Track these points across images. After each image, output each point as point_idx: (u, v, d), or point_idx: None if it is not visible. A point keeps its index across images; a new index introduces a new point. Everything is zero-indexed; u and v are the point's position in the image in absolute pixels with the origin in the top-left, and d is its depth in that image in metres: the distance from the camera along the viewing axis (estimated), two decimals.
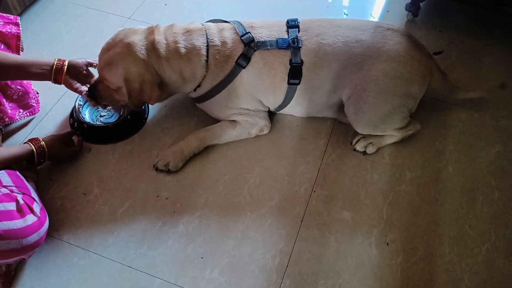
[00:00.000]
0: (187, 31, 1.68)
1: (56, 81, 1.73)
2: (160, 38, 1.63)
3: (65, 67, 1.71)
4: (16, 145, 1.61)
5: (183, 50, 1.65)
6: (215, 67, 1.69)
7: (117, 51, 1.61)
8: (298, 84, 1.72)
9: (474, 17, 2.34)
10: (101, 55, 1.67)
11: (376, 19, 2.38)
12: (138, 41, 1.61)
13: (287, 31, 1.71)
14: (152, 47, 1.62)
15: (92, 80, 1.77)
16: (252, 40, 1.68)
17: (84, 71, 1.78)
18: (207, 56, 1.67)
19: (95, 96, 1.74)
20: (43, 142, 1.64)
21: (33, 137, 1.65)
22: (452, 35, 2.26)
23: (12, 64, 1.63)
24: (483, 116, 1.95)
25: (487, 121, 1.93)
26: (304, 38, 1.69)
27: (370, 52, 1.65)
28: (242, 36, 1.69)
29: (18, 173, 1.55)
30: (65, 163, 1.78)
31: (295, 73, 1.70)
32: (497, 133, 1.89)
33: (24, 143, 1.62)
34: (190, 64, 1.67)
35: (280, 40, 1.69)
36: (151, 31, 1.65)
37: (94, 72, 1.81)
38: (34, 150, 1.60)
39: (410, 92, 1.69)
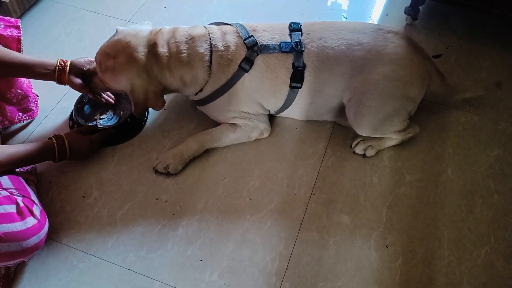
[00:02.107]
0: (190, 38, 1.67)
1: (60, 81, 1.73)
2: (162, 51, 1.62)
3: (68, 67, 1.72)
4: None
5: (185, 59, 1.65)
6: (218, 71, 1.69)
7: (120, 61, 1.60)
8: (300, 87, 1.73)
9: (473, 20, 2.35)
10: (102, 59, 1.65)
11: (375, 23, 2.38)
12: (142, 56, 1.60)
13: (290, 35, 1.72)
14: (155, 59, 1.62)
15: (89, 69, 1.75)
16: (255, 43, 1.68)
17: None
18: (210, 62, 1.67)
19: (90, 86, 1.76)
20: (63, 136, 1.66)
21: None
22: (451, 39, 2.27)
23: (17, 63, 1.64)
24: (482, 119, 1.95)
25: (486, 124, 1.93)
26: (307, 42, 1.70)
27: (371, 55, 1.66)
28: (245, 39, 1.69)
29: (18, 175, 1.56)
30: (69, 167, 1.78)
31: (297, 77, 1.70)
32: (496, 136, 1.90)
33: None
34: (192, 71, 1.67)
35: (283, 43, 1.69)
36: (154, 41, 1.63)
37: None
38: (54, 141, 1.62)
39: (409, 95, 1.69)
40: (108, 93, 1.87)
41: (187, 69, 1.66)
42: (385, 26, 1.75)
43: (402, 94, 1.68)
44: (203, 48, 1.66)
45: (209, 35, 1.69)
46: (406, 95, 1.69)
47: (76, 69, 1.74)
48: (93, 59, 1.78)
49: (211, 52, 1.67)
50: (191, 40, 1.67)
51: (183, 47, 1.65)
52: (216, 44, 1.68)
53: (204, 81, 1.71)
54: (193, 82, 1.70)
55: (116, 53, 1.62)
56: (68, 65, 1.73)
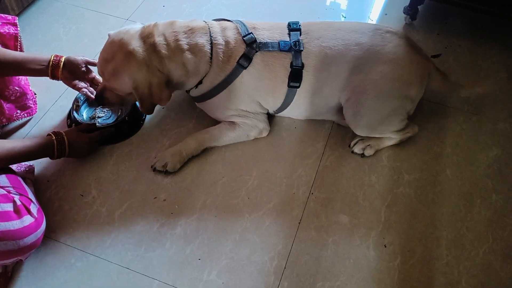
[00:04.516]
0: (189, 29, 1.66)
1: (54, 76, 1.72)
2: (159, 40, 1.61)
3: (62, 62, 1.71)
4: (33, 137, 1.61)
5: (185, 47, 1.63)
6: (217, 66, 1.68)
7: (119, 61, 1.58)
8: (298, 87, 1.72)
9: (472, 20, 2.35)
10: (103, 66, 1.63)
11: (374, 22, 2.38)
12: (138, 48, 1.58)
13: (289, 34, 1.71)
14: (153, 49, 1.60)
15: (98, 89, 1.74)
16: (254, 40, 1.68)
17: (83, 68, 1.78)
18: (211, 54, 1.66)
19: (104, 103, 1.75)
20: (63, 133, 1.65)
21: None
22: (450, 39, 2.27)
23: (10, 61, 1.63)
24: (481, 119, 1.95)
25: (485, 124, 1.94)
26: (305, 41, 1.69)
27: (369, 55, 1.66)
28: (244, 36, 1.68)
29: (15, 174, 1.55)
30: (68, 165, 1.77)
31: (295, 76, 1.70)
32: (495, 136, 1.90)
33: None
34: (193, 57, 1.65)
35: (282, 42, 1.69)
36: (148, 33, 1.62)
37: (94, 69, 1.82)
38: (54, 138, 1.61)
39: (408, 95, 1.69)
40: None
41: (187, 56, 1.63)
42: (383, 26, 1.75)
43: (401, 93, 1.68)
44: (203, 39, 1.65)
45: (209, 28, 1.68)
46: (405, 94, 1.69)
47: (70, 65, 1.73)
48: (90, 59, 1.78)
49: (211, 44, 1.66)
50: (190, 31, 1.65)
51: (181, 37, 1.63)
52: (216, 38, 1.67)
53: (205, 72, 1.69)
54: (195, 70, 1.68)
55: (113, 54, 1.60)
56: (63, 60, 1.72)
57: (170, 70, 1.64)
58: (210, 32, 1.67)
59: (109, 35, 1.66)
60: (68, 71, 1.74)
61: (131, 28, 1.65)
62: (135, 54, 1.58)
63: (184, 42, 1.63)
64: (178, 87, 1.76)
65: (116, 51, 1.59)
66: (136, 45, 1.59)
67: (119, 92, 1.67)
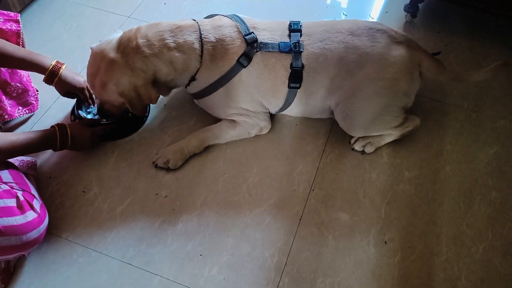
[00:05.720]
0: (176, 27, 1.65)
1: (47, 82, 1.73)
2: (142, 41, 1.60)
3: (58, 75, 1.71)
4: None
5: (172, 45, 1.62)
6: (211, 62, 1.67)
7: (103, 71, 1.59)
8: (299, 88, 1.72)
9: (472, 19, 2.36)
10: (92, 81, 1.64)
11: (375, 20, 2.39)
12: (118, 53, 1.58)
13: (289, 35, 1.71)
14: (135, 52, 1.59)
15: (96, 104, 1.76)
16: (255, 40, 1.68)
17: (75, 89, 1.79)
18: (202, 51, 1.65)
19: (108, 117, 1.78)
20: (66, 125, 1.66)
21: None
22: (450, 37, 2.27)
23: (12, 57, 1.63)
24: (481, 116, 1.96)
25: (484, 122, 1.94)
26: (307, 43, 1.69)
27: (360, 58, 1.66)
28: (245, 35, 1.68)
29: (18, 170, 1.56)
30: (69, 162, 1.78)
31: (295, 77, 1.69)
32: (495, 133, 1.91)
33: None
34: (182, 55, 1.64)
35: (282, 44, 1.68)
36: (129, 37, 1.61)
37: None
38: (57, 129, 1.62)
39: (397, 91, 1.69)
40: None
41: (175, 53, 1.63)
42: (375, 24, 1.74)
43: (388, 92, 1.67)
44: (192, 37, 1.64)
45: (198, 26, 1.67)
46: (393, 91, 1.68)
47: (65, 84, 1.74)
48: (85, 85, 1.78)
49: (201, 41, 1.65)
50: (178, 29, 1.64)
51: (167, 35, 1.62)
52: (206, 36, 1.66)
53: (195, 68, 1.68)
54: (184, 68, 1.67)
55: (97, 67, 1.61)
56: (60, 74, 1.71)
57: (156, 69, 1.63)
58: (200, 30, 1.67)
59: (91, 48, 1.66)
60: (61, 86, 1.75)
61: (112, 38, 1.65)
62: (117, 61, 1.58)
63: (170, 41, 1.62)
64: (170, 85, 1.75)
65: (99, 62, 1.60)
66: (116, 51, 1.59)
67: (113, 102, 1.69)
